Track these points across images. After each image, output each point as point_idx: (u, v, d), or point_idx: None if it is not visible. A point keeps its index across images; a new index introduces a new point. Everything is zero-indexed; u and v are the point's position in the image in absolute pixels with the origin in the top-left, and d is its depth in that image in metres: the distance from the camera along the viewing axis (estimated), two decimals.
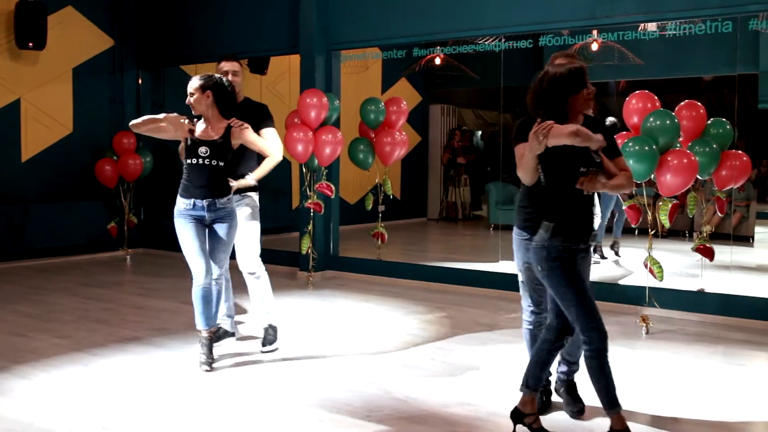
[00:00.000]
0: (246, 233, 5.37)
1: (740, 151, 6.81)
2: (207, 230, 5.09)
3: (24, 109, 9.62)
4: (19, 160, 9.62)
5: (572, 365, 4.27)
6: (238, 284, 5.69)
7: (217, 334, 5.38)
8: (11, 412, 4.19)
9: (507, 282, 7.65)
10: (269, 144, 5.26)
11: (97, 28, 10.37)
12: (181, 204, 5.04)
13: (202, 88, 4.96)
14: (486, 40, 8.46)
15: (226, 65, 5.48)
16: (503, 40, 8.29)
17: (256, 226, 5.45)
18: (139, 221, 10.55)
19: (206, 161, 4.95)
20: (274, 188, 10.68)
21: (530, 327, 4.30)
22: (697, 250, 6.87)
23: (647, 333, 6.01)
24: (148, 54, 10.75)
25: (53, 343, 5.67)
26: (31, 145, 9.73)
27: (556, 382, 4.35)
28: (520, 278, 4.28)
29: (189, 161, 4.99)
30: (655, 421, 4.07)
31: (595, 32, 8.88)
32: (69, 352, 5.41)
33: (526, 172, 3.71)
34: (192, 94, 4.99)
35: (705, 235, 6.99)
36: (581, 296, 3.60)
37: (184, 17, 10.33)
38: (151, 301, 7.31)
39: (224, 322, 5.55)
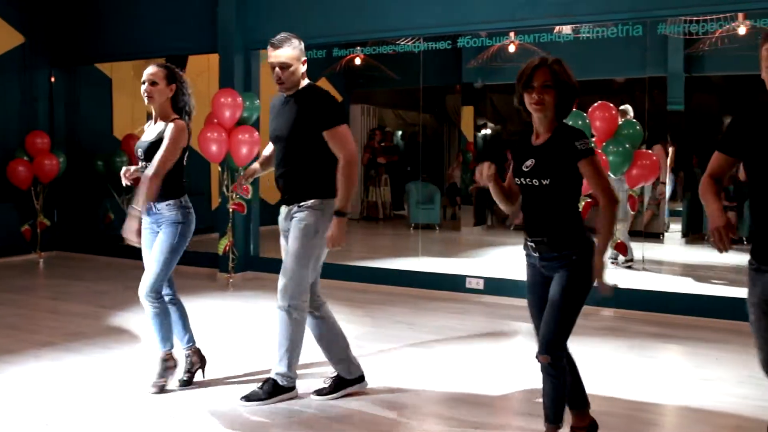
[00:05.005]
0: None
1: (650, 151, 7.05)
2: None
3: None
4: None
5: None
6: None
7: (331, 384, 4.54)
8: None
9: (427, 280, 7.77)
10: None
11: (6, 23, 10.03)
12: None
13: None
14: (405, 41, 8.53)
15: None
16: (422, 41, 8.36)
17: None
18: (52, 223, 10.27)
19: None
20: (192, 189, 10.53)
21: None
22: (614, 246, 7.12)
23: None
24: (61, 51, 10.46)
25: None
26: None
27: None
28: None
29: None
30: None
31: (512, 34, 9.05)
32: None
33: None
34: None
35: (617, 232, 7.21)
36: None
37: (98, 14, 10.08)
38: (65, 306, 7.13)
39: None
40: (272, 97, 4.54)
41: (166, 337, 4.64)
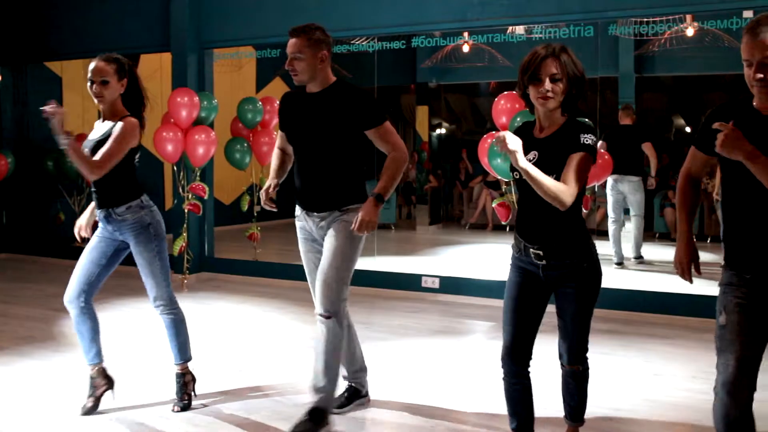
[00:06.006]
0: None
1: (602, 150, 7.14)
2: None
3: None
4: None
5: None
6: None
7: (345, 396, 4.31)
8: None
9: (383, 280, 7.78)
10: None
11: None
12: None
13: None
14: (360, 41, 8.53)
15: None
16: (376, 40, 8.38)
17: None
18: (1, 225, 10.06)
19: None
20: (146, 189, 10.42)
21: None
22: None
23: None
24: (8, 49, 10.24)
25: None
26: None
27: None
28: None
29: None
30: None
31: (466, 34, 9.11)
32: None
33: None
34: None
35: None
36: None
37: (47, 11, 9.89)
38: (15, 309, 6.99)
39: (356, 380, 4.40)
40: (283, 94, 4.20)
41: (185, 345, 4.44)
